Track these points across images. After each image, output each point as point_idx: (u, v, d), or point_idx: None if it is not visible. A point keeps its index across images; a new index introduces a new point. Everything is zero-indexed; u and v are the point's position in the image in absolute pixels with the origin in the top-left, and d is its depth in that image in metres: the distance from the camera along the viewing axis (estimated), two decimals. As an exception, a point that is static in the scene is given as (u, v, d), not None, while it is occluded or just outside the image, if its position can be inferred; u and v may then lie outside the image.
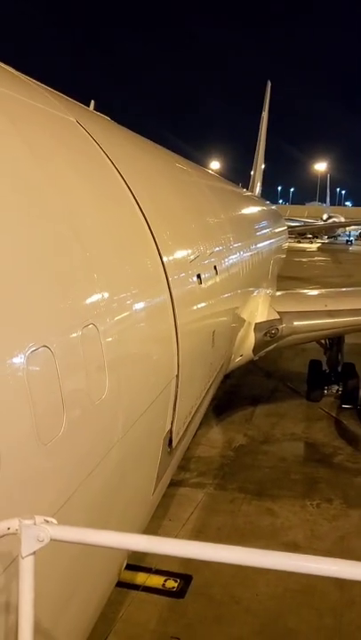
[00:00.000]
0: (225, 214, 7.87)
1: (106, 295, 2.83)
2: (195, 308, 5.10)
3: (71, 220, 2.80)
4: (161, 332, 3.74)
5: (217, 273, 6.45)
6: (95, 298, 2.72)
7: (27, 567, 1.68)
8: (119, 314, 2.99)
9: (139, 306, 3.33)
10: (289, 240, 35.01)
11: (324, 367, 12.06)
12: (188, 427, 5.05)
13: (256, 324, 8.57)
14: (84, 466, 2.43)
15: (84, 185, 3.21)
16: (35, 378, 2.05)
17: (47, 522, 1.72)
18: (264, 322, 8.62)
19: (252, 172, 26.85)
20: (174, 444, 4.17)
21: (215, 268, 6.44)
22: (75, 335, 2.38)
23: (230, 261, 7.83)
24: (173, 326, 3.95)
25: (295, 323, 9.10)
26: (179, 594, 5.75)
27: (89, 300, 2.66)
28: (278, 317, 8.91)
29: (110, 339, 2.71)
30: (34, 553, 1.68)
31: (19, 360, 1.98)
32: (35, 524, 1.69)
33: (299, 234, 69.68)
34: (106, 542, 1.85)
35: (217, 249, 6.94)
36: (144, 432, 3.21)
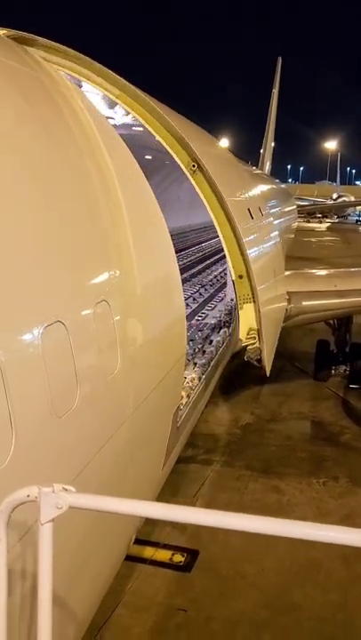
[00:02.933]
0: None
1: (118, 273, 2.84)
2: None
3: (85, 197, 2.80)
4: (171, 311, 3.78)
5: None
6: (107, 275, 2.74)
7: (46, 534, 1.72)
8: (131, 291, 3.01)
9: (150, 284, 3.35)
10: (298, 220, 34.74)
11: (332, 347, 12.04)
12: (196, 403, 5.10)
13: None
14: (96, 439, 2.47)
15: (98, 164, 3.19)
16: (49, 352, 2.07)
17: (65, 490, 1.76)
18: None
19: (261, 151, 26.58)
20: (181, 419, 4.23)
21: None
22: (88, 311, 2.41)
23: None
24: (183, 305, 3.98)
25: (304, 303, 9.07)
26: (185, 568, 5.84)
27: (102, 277, 2.68)
28: (287, 297, 8.89)
29: (121, 316, 2.73)
30: (52, 520, 1.72)
31: (34, 335, 2.01)
32: (53, 491, 1.72)
33: (308, 213, 69.09)
34: (122, 509, 1.89)
35: None
36: (155, 407, 3.25)
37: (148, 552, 6.03)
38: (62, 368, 2.18)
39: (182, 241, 17.14)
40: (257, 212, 7.90)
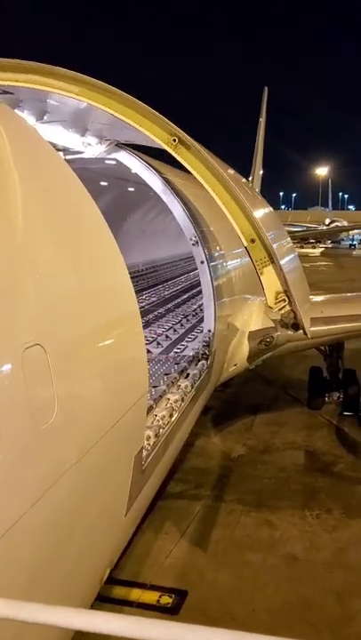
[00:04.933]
0: (216, 221, 7.83)
1: (59, 313, 2.73)
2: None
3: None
4: (128, 349, 3.59)
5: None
6: (44, 315, 2.63)
7: None
8: (75, 332, 2.88)
9: (101, 323, 3.20)
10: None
11: (325, 374, 11.94)
12: (168, 441, 4.88)
13: (250, 332, 8.49)
14: (28, 493, 2.31)
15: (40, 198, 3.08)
16: None
17: None
18: (258, 330, 8.53)
19: (250, 178, 26.88)
20: (147, 461, 4.05)
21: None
22: (15, 356, 2.28)
23: (222, 267, 7.78)
24: (142, 342, 3.79)
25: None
26: (173, 610, 5.65)
27: (37, 318, 2.56)
28: (273, 325, 8.82)
29: (59, 358, 2.58)
30: None
31: None
32: None
33: (301, 239, 69.60)
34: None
35: (206, 254, 6.90)
36: (108, 453, 3.08)
37: (135, 594, 5.84)
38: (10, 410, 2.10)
39: (169, 270, 17.15)
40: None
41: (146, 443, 4.13)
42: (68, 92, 4.66)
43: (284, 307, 5.69)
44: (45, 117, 5.34)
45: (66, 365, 2.66)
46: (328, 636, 5.33)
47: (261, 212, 6.44)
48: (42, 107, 5.16)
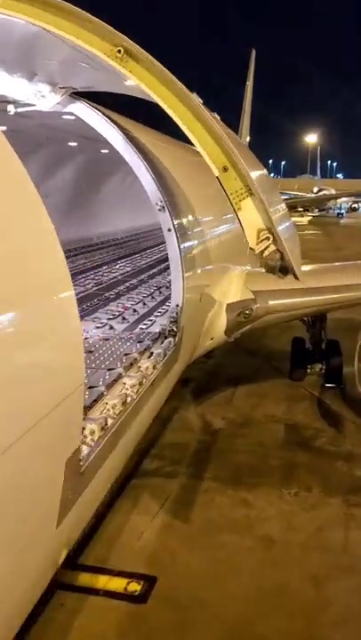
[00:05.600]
0: (188, 185, 7.27)
1: None
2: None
3: None
4: (58, 335, 3.04)
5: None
6: None
7: None
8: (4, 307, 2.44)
9: (25, 294, 2.70)
10: (278, 213, 34.30)
11: (308, 345, 11.61)
12: (118, 435, 4.29)
13: (228, 304, 8.06)
14: None
15: None
16: None
17: None
18: (236, 302, 8.11)
19: (235, 144, 26.11)
20: (88, 461, 3.58)
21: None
22: None
23: (194, 235, 7.24)
24: (78, 326, 3.21)
25: (271, 302, 8.60)
26: (141, 598, 5.35)
27: None
28: (253, 297, 8.41)
29: None
30: None
31: None
32: None
33: (290, 207, 68.76)
34: None
35: (174, 220, 6.29)
36: (28, 456, 2.64)
37: (102, 581, 5.54)
38: None
39: (151, 238, 16.56)
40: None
41: (89, 439, 3.67)
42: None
43: (267, 246, 4.89)
44: None
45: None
46: (301, 623, 5.07)
47: (251, 166, 5.59)
48: None
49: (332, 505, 6.99)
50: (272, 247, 4.88)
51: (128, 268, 11.62)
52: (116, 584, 5.50)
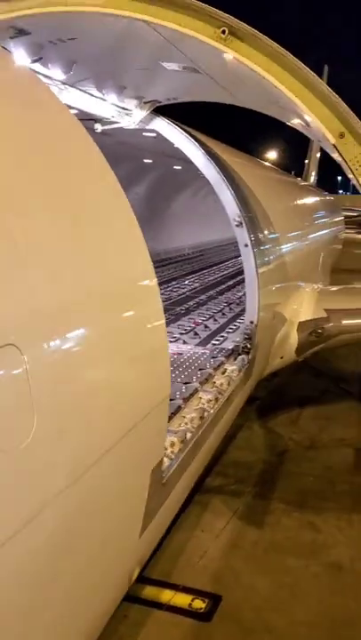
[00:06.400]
0: (265, 203, 7.27)
1: (69, 306, 2.33)
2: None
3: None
4: (147, 348, 3.12)
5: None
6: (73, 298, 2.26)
7: None
8: (90, 319, 2.51)
9: (118, 316, 2.77)
10: (348, 231, 33.57)
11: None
12: (197, 447, 4.33)
13: (300, 322, 7.95)
14: (21, 511, 1.97)
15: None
16: None
17: None
18: (309, 320, 7.99)
19: (306, 161, 25.91)
20: (170, 473, 3.60)
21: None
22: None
23: (269, 252, 7.21)
24: (165, 339, 3.28)
25: (344, 321, 8.41)
26: (206, 616, 5.30)
27: (65, 302, 2.21)
28: (325, 315, 8.25)
29: (72, 350, 2.23)
30: None
31: None
32: None
33: (359, 224, 67.29)
34: None
35: (252, 236, 6.30)
36: (116, 466, 2.66)
37: (166, 596, 5.52)
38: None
39: (217, 254, 16.60)
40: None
41: (169, 450, 3.72)
42: (91, 5, 4.02)
43: None
44: (73, 72, 4.77)
45: (70, 363, 2.28)
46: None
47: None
48: (67, 53, 4.60)
49: None
50: None
51: (197, 284, 11.71)
52: (181, 600, 5.47)
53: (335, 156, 4.71)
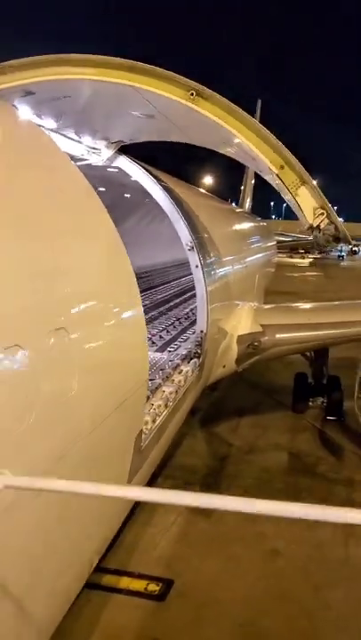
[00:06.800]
0: (210, 230, 8.24)
1: (78, 302, 3.08)
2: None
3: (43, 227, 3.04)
4: (132, 341, 4.00)
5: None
6: (67, 304, 2.97)
7: None
8: (90, 320, 3.26)
9: (110, 315, 3.60)
10: (280, 255, 35.39)
11: (310, 380, 12.31)
12: (163, 428, 5.29)
13: (239, 336, 8.85)
14: (51, 454, 2.67)
15: (58, 198, 3.44)
16: (7, 373, 2.33)
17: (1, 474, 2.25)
18: (247, 334, 8.90)
19: (242, 187, 27.30)
20: (145, 443, 4.45)
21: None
22: (46, 337, 2.64)
23: (215, 273, 8.20)
24: (145, 336, 4.21)
25: (277, 335, 9.39)
26: (160, 597, 5.93)
27: (62, 306, 2.90)
28: (261, 330, 9.19)
29: (81, 343, 2.95)
30: None
31: None
32: None
33: (291, 249, 70.32)
34: (56, 487, 2.28)
35: (201, 259, 7.33)
36: (113, 429, 3.45)
37: (124, 582, 6.12)
38: (20, 387, 2.45)
39: (162, 275, 17.51)
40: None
41: (144, 427, 4.50)
42: (83, 74, 5.11)
43: (322, 220, 6.01)
44: (62, 120, 5.72)
45: (85, 351, 3.04)
46: (305, 623, 5.65)
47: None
48: (59, 106, 5.55)
49: (331, 524, 7.55)
50: (327, 220, 6.03)
51: (147, 302, 12.55)
52: (137, 585, 6.10)
53: (277, 182, 5.99)
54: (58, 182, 3.56)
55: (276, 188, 6.22)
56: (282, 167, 5.83)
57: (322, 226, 5.99)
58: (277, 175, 5.82)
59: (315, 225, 5.98)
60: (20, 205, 2.85)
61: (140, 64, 5.29)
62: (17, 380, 2.43)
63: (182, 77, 5.43)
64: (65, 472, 2.80)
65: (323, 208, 5.96)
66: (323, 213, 5.97)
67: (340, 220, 6.51)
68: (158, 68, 5.33)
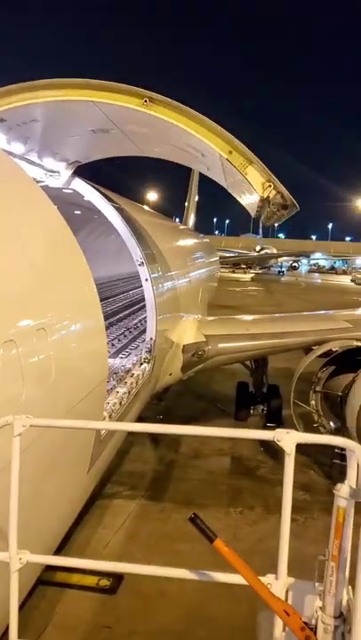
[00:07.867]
0: (159, 246, 8.81)
1: (52, 312, 3.59)
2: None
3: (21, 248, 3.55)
4: (94, 346, 4.55)
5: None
6: (48, 309, 3.50)
7: (16, 444, 2.75)
8: (67, 322, 3.78)
9: (80, 318, 4.10)
10: (223, 270, 36.39)
11: (251, 389, 12.96)
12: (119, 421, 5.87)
13: (184, 345, 9.38)
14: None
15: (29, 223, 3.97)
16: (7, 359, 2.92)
17: (27, 417, 2.86)
18: (192, 343, 9.44)
19: (186, 204, 28.06)
20: (102, 435, 4.94)
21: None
22: (32, 336, 3.16)
23: (163, 286, 8.77)
24: (105, 342, 4.76)
25: (220, 345, 9.98)
26: (111, 591, 6.28)
27: (43, 310, 3.43)
28: (205, 340, 9.76)
29: (57, 344, 3.49)
30: (20, 434, 2.78)
31: None
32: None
33: (233, 264, 71.98)
34: (72, 425, 3.19)
35: (150, 273, 7.88)
36: (82, 415, 3.93)
37: (75, 578, 6.44)
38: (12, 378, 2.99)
39: (110, 288, 17.94)
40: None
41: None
42: (50, 97, 5.66)
43: (270, 191, 6.64)
44: (27, 144, 6.16)
45: (60, 348, 3.57)
46: (246, 607, 6.13)
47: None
48: (25, 131, 5.99)
49: (271, 520, 8.13)
50: (274, 191, 6.64)
51: None
52: (89, 580, 6.42)
53: (229, 167, 6.65)
54: (31, 211, 4.06)
55: (225, 179, 7.05)
56: (230, 152, 6.52)
57: (271, 196, 6.62)
58: (228, 160, 6.50)
59: (264, 197, 6.63)
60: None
61: (96, 81, 5.90)
62: (16, 365, 2.98)
63: (136, 87, 6.06)
64: (38, 454, 3.27)
65: (269, 181, 6.63)
66: (270, 186, 6.62)
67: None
68: (115, 83, 5.96)
